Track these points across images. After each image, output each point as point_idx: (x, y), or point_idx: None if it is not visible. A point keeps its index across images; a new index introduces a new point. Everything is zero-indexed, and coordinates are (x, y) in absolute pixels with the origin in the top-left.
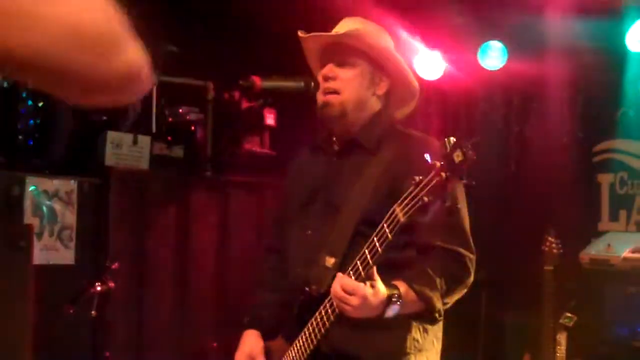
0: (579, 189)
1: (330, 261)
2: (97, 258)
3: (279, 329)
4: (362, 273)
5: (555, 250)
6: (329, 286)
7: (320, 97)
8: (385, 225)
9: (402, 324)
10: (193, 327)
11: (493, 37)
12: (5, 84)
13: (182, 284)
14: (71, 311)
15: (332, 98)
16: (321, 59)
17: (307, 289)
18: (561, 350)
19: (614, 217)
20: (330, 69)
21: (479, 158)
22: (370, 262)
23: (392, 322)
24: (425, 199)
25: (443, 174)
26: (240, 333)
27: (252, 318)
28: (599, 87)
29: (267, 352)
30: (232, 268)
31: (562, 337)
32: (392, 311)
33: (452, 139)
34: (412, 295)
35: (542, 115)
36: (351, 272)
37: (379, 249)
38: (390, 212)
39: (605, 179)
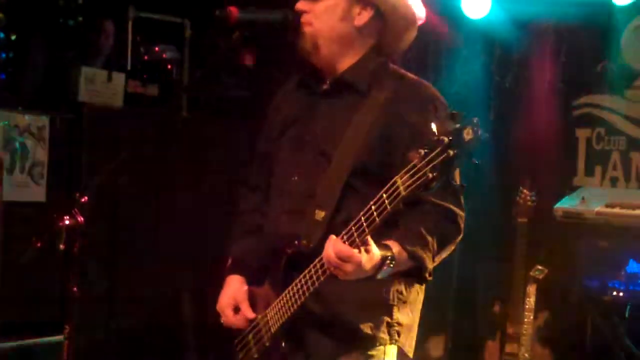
0: (557, 142)
1: (320, 214)
2: (68, 195)
3: (263, 275)
4: (357, 240)
5: (529, 203)
6: (319, 241)
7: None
8: (384, 195)
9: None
10: (168, 266)
11: None
12: None
13: (157, 223)
14: (39, 245)
15: (304, 30)
16: None
17: (296, 242)
18: (530, 302)
19: (589, 172)
20: (302, 3)
21: (460, 109)
22: (367, 230)
23: None
24: (430, 175)
25: (451, 152)
26: (219, 272)
27: (235, 262)
28: (582, 40)
29: (251, 298)
30: (207, 206)
31: (531, 289)
32: (384, 273)
33: (461, 114)
34: (404, 255)
35: (523, 65)
36: (345, 237)
37: (377, 218)
38: (391, 182)
39: (582, 134)
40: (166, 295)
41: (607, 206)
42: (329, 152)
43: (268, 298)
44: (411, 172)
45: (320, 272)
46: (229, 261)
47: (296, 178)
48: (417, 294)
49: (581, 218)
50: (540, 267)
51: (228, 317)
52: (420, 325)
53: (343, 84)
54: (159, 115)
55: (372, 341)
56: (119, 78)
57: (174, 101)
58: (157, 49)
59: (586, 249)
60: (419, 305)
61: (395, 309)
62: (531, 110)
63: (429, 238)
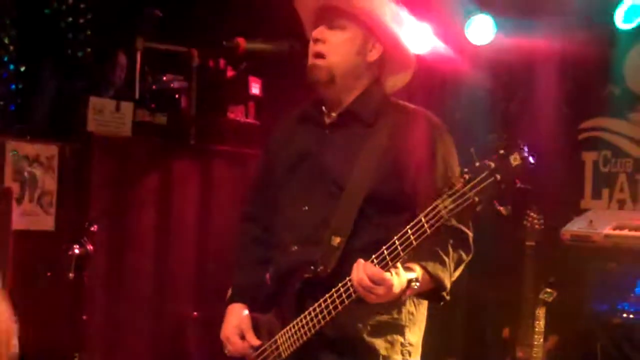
0: (563, 165)
1: (335, 240)
2: (77, 224)
3: (266, 303)
4: (390, 263)
5: (537, 226)
6: (335, 267)
7: (310, 60)
8: (423, 219)
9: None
10: (173, 295)
11: (481, 11)
12: None
13: (163, 251)
14: (49, 274)
15: (319, 61)
16: (314, 22)
17: (312, 268)
18: (540, 325)
19: (596, 195)
20: (320, 31)
21: (465, 135)
22: (401, 253)
23: None
24: (476, 199)
25: (498, 176)
26: (221, 303)
27: (237, 291)
28: (587, 64)
29: (255, 326)
30: (214, 236)
31: (541, 313)
32: (408, 295)
33: (507, 140)
34: (427, 277)
35: (528, 91)
36: (376, 260)
37: (414, 242)
38: (432, 207)
39: (589, 157)
40: (172, 324)
41: (615, 228)
42: (340, 181)
43: (272, 326)
44: (454, 197)
45: (344, 296)
46: (230, 291)
47: (307, 208)
48: (424, 315)
49: (589, 241)
50: (549, 290)
51: (235, 344)
52: (430, 349)
53: (350, 116)
54: (167, 144)
55: None
56: (128, 108)
57: (182, 130)
58: (165, 78)
59: (595, 271)
60: (424, 325)
61: (407, 330)
62: (537, 134)
63: (446, 259)
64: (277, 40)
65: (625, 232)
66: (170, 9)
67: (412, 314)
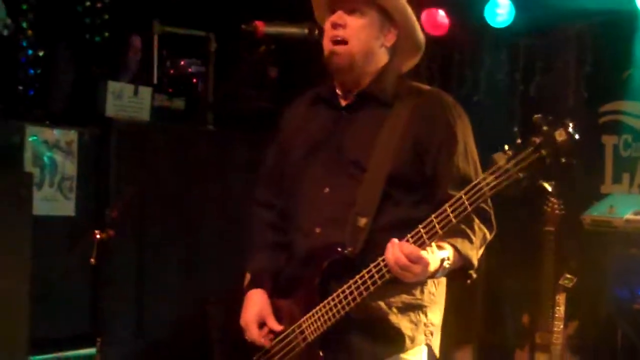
0: (583, 150)
1: (362, 221)
2: (97, 209)
3: (286, 289)
4: (427, 241)
5: (557, 211)
6: (363, 247)
7: (328, 45)
8: (464, 196)
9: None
10: (194, 279)
11: None
12: (5, 32)
13: (183, 237)
14: (70, 259)
15: (340, 48)
16: (329, 6)
17: (339, 249)
18: (560, 311)
19: (617, 180)
20: (339, 16)
21: (483, 118)
22: (439, 231)
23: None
24: (520, 175)
25: (544, 152)
26: (241, 289)
27: (256, 276)
28: (606, 47)
29: (275, 312)
30: (233, 221)
31: (561, 299)
32: (441, 273)
33: (550, 117)
34: (456, 255)
35: (547, 74)
36: (411, 239)
37: (453, 219)
38: (473, 184)
39: (609, 141)
40: (194, 308)
41: (636, 214)
42: (361, 162)
43: (293, 311)
44: (497, 174)
45: (377, 276)
46: (248, 277)
47: (328, 190)
48: (443, 295)
49: (610, 226)
50: (569, 276)
51: (253, 332)
52: (449, 336)
53: (368, 97)
54: (186, 129)
55: (412, 342)
56: (146, 92)
57: (200, 115)
58: (182, 63)
59: (615, 257)
60: (443, 306)
61: (428, 310)
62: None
63: (473, 236)
64: (296, 23)
65: None
66: None
67: (433, 294)
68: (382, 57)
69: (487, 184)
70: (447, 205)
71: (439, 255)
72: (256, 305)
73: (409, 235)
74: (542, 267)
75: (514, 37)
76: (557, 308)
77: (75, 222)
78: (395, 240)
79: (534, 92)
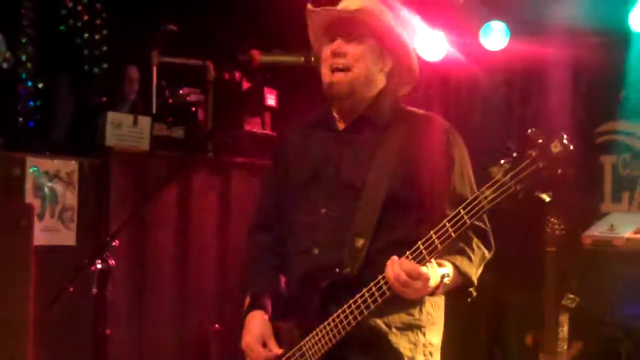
0: (582, 170)
1: (359, 242)
2: (98, 239)
3: (284, 311)
4: (426, 257)
5: (557, 232)
6: (361, 268)
7: (327, 74)
8: (462, 211)
9: (420, 298)
10: (194, 307)
11: (495, 17)
12: (5, 65)
13: (183, 264)
14: (71, 289)
15: (341, 77)
16: (325, 34)
17: (337, 270)
18: (563, 331)
19: (616, 199)
20: (339, 44)
21: (481, 141)
22: (439, 246)
23: (398, 299)
24: (517, 187)
25: (540, 164)
26: (240, 313)
27: (256, 298)
28: (601, 68)
29: (275, 334)
30: (233, 248)
31: (564, 318)
32: (441, 290)
33: (543, 129)
34: (455, 273)
35: (544, 96)
36: (411, 256)
37: (452, 234)
38: (471, 199)
39: (608, 160)
40: (194, 337)
41: (636, 232)
42: (358, 185)
43: (292, 333)
44: (495, 187)
45: (377, 294)
46: (248, 299)
47: (324, 211)
48: (442, 316)
49: (611, 245)
50: (571, 296)
51: (259, 353)
52: (453, 356)
53: (365, 122)
54: (186, 158)
55: None
56: (145, 122)
57: (199, 143)
58: (181, 92)
59: (617, 276)
60: (442, 327)
61: (427, 330)
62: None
63: (472, 254)
64: (292, 51)
65: None
66: (185, 23)
67: (431, 314)
68: (380, 82)
69: (485, 198)
70: (446, 220)
71: (439, 271)
72: (258, 326)
73: (408, 252)
74: (544, 287)
75: (509, 60)
76: (560, 328)
77: (77, 251)
78: (395, 257)
79: (531, 114)
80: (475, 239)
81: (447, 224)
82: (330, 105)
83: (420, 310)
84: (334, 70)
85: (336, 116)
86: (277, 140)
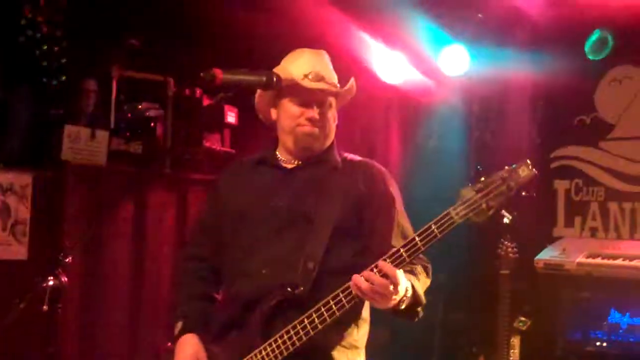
0: (536, 194)
1: (310, 264)
2: (50, 254)
3: (222, 334)
4: (407, 259)
5: (511, 255)
6: (312, 288)
7: (299, 129)
8: (433, 225)
9: (349, 320)
10: (148, 325)
11: (455, 41)
12: None
13: (138, 281)
14: (21, 306)
15: (316, 131)
16: (301, 99)
17: (289, 289)
18: (515, 353)
19: (569, 223)
20: (316, 112)
21: (438, 163)
22: (407, 259)
23: (343, 319)
24: (489, 204)
25: (511, 183)
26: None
27: (188, 322)
28: (557, 94)
29: (210, 357)
30: None
31: (516, 341)
32: (404, 303)
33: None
34: (412, 289)
35: (501, 120)
36: (389, 260)
37: (422, 247)
38: (443, 214)
39: (561, 185)
40: (147, 355)
41: (587, 257)
42: (309, 214)
43: (231, 354)
44: (466, 204)
45: (326, 314)
46: (179, 324)
47: (274, 235)
48: (363, 341)
49: (562, 269)
50: (523, 319)
51: None
52: None
53: (320, 161)
54: (142, 173)
55: None
56: (103, 136)
57: (157, 159)
58: (140, 107)
59: (568, 299)
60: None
61: (361, 351)
62: (509, 163)
63: (421, 277)
64: (255, 71)
65: (598, 260)
66: (147, 38)
67: (362, 336)
68: (334, 132)
69: (457, 213)
70: (415, 234)
71: (405, 282)
72: (191, 348)
73: (385, 257)
74: (497, 309)
75: (468, 84)
76: (512, 350)
77: (28, 266)
78: (372, 266)
79: (489, 138)
80: (419, 267)
81: (416, 238)
82: (275, 148)
83: (358, 332)
84: (313, 124)
85: (283, 158)
86: (225, 170)
